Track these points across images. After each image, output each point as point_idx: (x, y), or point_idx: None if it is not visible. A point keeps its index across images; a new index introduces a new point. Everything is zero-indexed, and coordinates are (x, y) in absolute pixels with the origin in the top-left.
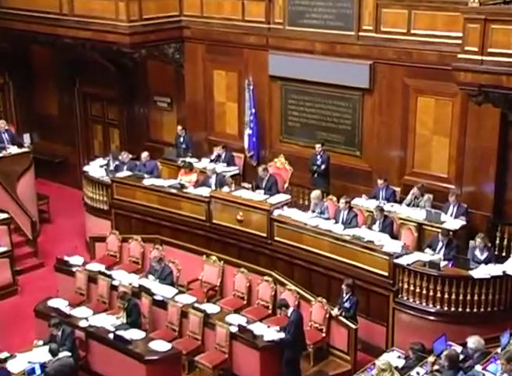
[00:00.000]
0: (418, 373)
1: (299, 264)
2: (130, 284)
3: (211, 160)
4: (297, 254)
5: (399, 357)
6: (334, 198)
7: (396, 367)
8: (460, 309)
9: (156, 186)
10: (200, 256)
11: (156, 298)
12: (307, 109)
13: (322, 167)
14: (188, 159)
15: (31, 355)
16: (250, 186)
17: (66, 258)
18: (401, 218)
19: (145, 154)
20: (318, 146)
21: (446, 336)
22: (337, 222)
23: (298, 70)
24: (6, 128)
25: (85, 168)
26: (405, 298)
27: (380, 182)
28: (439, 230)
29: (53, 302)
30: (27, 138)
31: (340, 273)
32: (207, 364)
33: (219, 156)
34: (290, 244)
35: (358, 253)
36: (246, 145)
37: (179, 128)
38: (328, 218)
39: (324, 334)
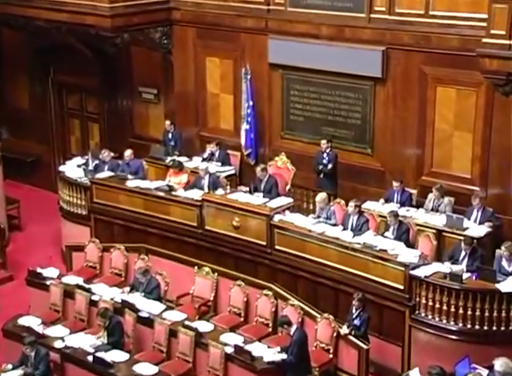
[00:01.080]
0: None
1: (303, 276)
2: (112, 299)
3: (204, 159)
4: (300, 264)
5: None
6: (342, 202)
7: None
8: (486, 327)
9: (141, 188)
10: (191, 267)
11: (141, 314)
12: (311, 101)
13: (329, 166)
14: (177, 158)
15: None
16: (247, 189)
17: (39, 270)
18: (418, 225)
19: (128, 152)
20: (324, 142)
21: (470, 358)
22: (345, 229)
23: (302, 57)
24: None
25: (61, 168)
26: (422, 314)
27: (395, 184)
28: (461, 238)
29: (24, 320)
30: None
31: (350, 286)
32: None
33: (212, 154)
34: (292, 253)
35: (369, 263)
36: (243, 142)
37: (168, 122)
38: (335, 224)
39: (331, 356)
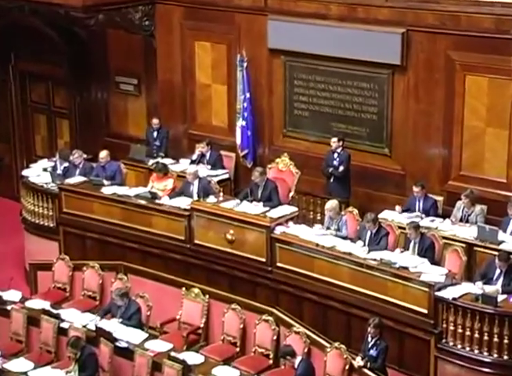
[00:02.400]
0: None
1: (309, 298)
2: (84, 327)
3: (192, 162)
4: (306, 285)
5: None
6: (356, 211)
7: None
8: None
9: (119, 195)
10: (178, 288)
11: (119, 344)
12: (319, 93)
13: (340, 169)
14: (162, 160)
15: None
16: (237, 201)
17: None
18: (444, 238)
19: (104, 154)
20: (334, 141)
21: None
22: (359, 243)
23: (307, 41)
24: None
25: (24, 173)
26: (450, 343)
27: (416, 189)
28: (496, 253)
29: None
30: None
31: (364, 310)
32: None
33: (203, 155)
34: (297, 271)
35: (387, 283)
36: (238, 141)
37: (155, 121)
38: (347, 238)
39: None
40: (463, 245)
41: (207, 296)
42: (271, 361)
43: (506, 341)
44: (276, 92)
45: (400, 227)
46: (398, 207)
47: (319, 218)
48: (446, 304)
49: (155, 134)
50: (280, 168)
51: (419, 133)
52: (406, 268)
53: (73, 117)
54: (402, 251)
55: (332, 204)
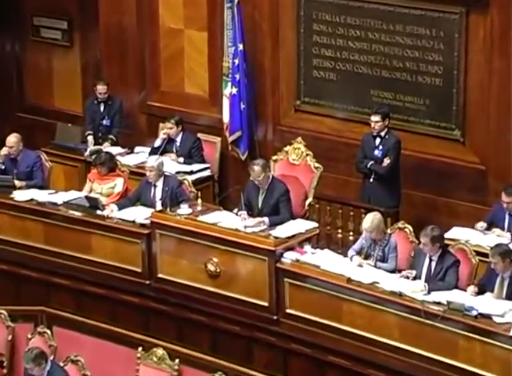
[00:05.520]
0: None
1: (335, 363)
2: None
3: (154, 151)
4: (330, 342)
5: None
6: (409, 227)
7: None
8: None
9: (39, 203)
10: (133, 349)
11: None
12: (351, 43)
13: (385, 163)
14: (108, 148)
15: None
16: (224, 212)
17: None
18: None
19: (13, 139)
20: (376, 119)
21: None
22: (415, 278)
23: None
24: None
25: None
26: None
27: (504, 197)
28: None
29: None
30: None
31: None
32: None
33: (170, 141)
34: (316, 321)
35: (458, 341)
36: (226, 118)
37: (101, 86)
38: (396, 270)
39: None
40: None
41: (177, 361)
42: None
43: None
44: (285, 42)
45: (479, 253)
46: (480, 224)
47: (351, 238)
48: None
49: (102, 107)
50: (292, 160)
51: (507, 107)
52: (489, 317)
53: None
54: (479, 292)
55: (373, 219)
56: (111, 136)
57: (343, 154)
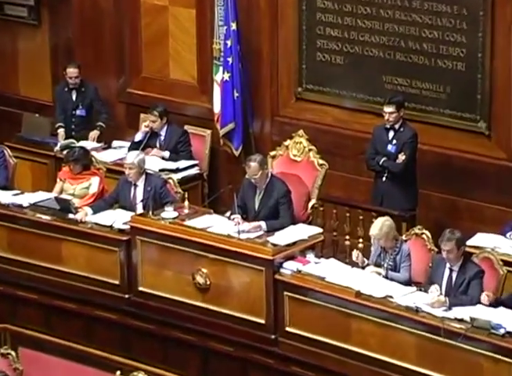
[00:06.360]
0: None
1: None
2: None
3: (134, 146)
4: (337, 365)
5: None
6: (427, 233)
7: None
8: None
9: (2, 205)
10: (110, 373)
11: None
12: (361, 22)
13: (400, 159)
14: (83, 142)
15: None
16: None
17: None
18: None
19: None
20: (389, 109)
21: None
22: (432, 290)
23: None
24: None
25: None
26: None
27: None
28: None
29: None
30: None
31: None
32: None
33: (154, 134)
34: (320, 341)
35: (483, 363)
36: (216, 108)
37: (72, 70)
38: (411, 282)
39: None
40: None
41: None
42: None
43: None
44: (285, 20)
45: (507, 263)
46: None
47: (360, 245)
48: None
49: (74, 95)
50: (292, 156)
51: None
52: None
53: None
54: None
55: (382, 225)
56: (100, 123)
57: (351, 149)
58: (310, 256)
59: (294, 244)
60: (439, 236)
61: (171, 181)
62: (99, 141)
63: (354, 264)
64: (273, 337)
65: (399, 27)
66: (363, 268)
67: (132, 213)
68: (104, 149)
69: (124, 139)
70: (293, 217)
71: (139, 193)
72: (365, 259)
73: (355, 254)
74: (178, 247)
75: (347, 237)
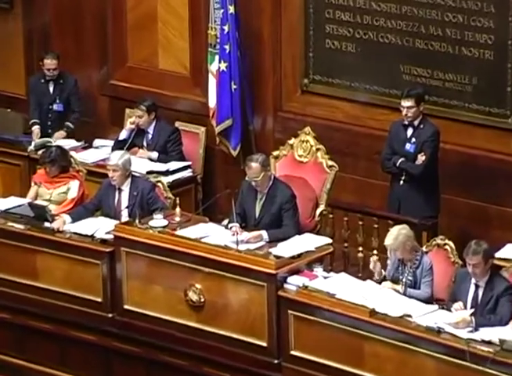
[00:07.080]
0: None
1: None
2: None
3: (119, 144)
4: None
5: None
6: (450, 244)
7: None
8: None
9: None
10: None
11: None
12: (375, 5)
13: (419, 160)
14: (60, 140)
15: None
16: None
17: None
18: None
19: None
20: (407, 104)
21: None
22: (456, 309)
23: None
24: None
25: None
26: None
27: None
28: None
29: None
30: None
31: None
32: None
33: (141, 132)
34: (330, 366)
35: None
36: (212, 102)
37: (50, 61)
38: (433, 299)
39: None
40: None
41: None
42: None
43: None
44: (290, 2)
45: None
46: None
47: (375, 258)
48: None
49: (51, 87)
50: (298, 157)
51: None
52: None
53: None
54: None
55: (398, 234)
56: (68, 123)
57: (364, 149)
58: (318, 270)
59: (300, 256)
60: (464, 247)
61: (160, 185)
62: (78, 139)
63: (369, 275)
64: (276, 361)
65: (419, 11)
66: (380, 282)
67: (116, 221)
68: (84, 148)
69: (106, 137)
70: (299, 225)
71: (124, 198)
72: (382, 271)
73: (373, 262)
74: (169, 260)
75: (360, 249)
